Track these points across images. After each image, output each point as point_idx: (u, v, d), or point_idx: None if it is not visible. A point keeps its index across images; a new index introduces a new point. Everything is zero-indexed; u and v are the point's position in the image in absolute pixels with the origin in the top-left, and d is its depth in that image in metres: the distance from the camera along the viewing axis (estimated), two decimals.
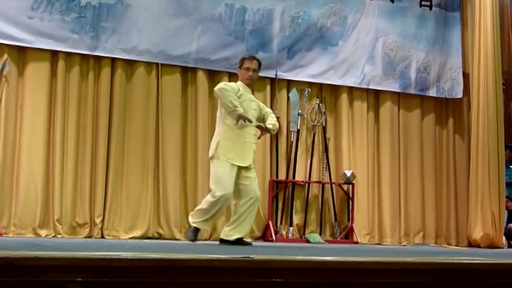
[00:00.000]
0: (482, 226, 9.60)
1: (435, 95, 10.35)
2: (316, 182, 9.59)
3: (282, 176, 9.38)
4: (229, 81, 9.10)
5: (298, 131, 9.47)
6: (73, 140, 8.32)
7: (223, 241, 6.66)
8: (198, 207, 6.84)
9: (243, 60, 7.08)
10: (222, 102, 6.79)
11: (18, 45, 8.13)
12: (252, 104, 6.95)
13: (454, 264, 3.78)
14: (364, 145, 9.94)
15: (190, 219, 6.82)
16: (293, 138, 9.45)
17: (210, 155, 6.79)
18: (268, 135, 8.07)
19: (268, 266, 3.27)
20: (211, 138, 8.87)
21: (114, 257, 3.03)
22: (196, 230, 6.76)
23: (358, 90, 9.95)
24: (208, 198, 6.68)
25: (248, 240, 8.16)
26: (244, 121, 6.65)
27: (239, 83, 6.99)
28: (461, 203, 10.24)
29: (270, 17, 9.30)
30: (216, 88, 6.82)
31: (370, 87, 9.95)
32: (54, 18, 8.19)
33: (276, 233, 9.01)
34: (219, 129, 6.84)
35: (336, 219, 9.60)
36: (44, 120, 8.20)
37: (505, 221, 9.95)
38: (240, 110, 6.64)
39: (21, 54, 8.25)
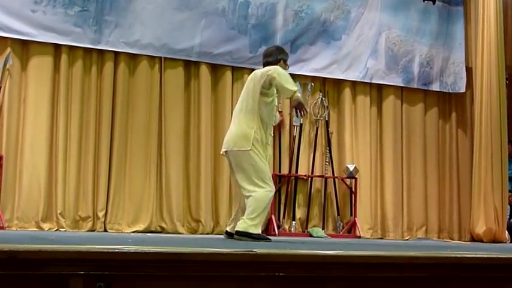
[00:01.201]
0: (485, 220, 9.60)
1: (438, 90, 10.34)
2: (319, 176, 9.59)
3: (284, 170, 9.38)
4: (233, 75, 9.13)
5: (301, 125, 9.46)
6: (76, 133, 8.32)
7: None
8: (249, 212, 6.05)
9: (286, 54, 6.57)
10: (280, 87, 6.12)
11: (21, 39, 8.13)
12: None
13: (456, 258, 3.78)
14: (367, 139, 9.93)
15: (252, 229, 5.99)
16: (296, 132, 9.44)
17: (244, 148, 6.12)
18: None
19: (270, 260, 3.27)
20: (214, 131, 8.96)
21: (116, 250, 3.04)
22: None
23: (361, 84, 9.94)
24: (259, 196, 6.06)
25: None
26: (301, 112, 6.23)
27: None
28: (464, 197, 10.24)
29: (273, 11, 9.29)
30: (273, 73, 6.07)
31: (373, 81, 9.94)
32: (57, 11, 8.18)
33: (278, 227, 9.02)
34: (253, 123, 6.18)
35: (338, 214, 9.60)
36: (47, 114, 8.20)
37: (508, 215, 9.96)
38: (299, 95, 6.17)
39: (24, 47, 8.24)
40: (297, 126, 9.40)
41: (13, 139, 8.06)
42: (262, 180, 6.13)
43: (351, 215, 9.59)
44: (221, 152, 6.53)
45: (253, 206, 6.05)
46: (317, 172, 9.60)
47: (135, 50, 8.60)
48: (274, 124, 6.42)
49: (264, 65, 6.48)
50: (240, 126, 6.25)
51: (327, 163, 9.62)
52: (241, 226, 6.06)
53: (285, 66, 6.51)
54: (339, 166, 9.69)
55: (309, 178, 9.52)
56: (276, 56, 6.48)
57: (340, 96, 9.92)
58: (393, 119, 10.13)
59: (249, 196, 6.09)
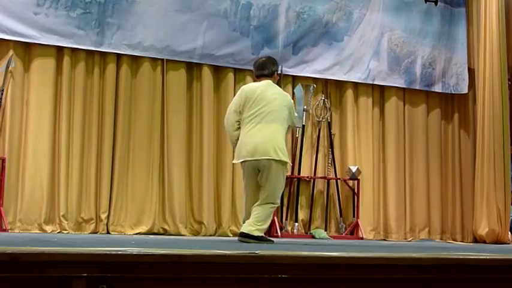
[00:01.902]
0: (487, 222, 9.59)
1: (440, 91, 10.33)
2: (321, 177, 9.58)
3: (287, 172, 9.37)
4: (235, 77, 9.15)
5: (303, 126, 9.46)
6: (78, 135, 8.33)
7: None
8: (257, 219, 6.16)
9: (278, 64, 6.81)
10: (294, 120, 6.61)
11: (23, 41, 8.14)
12: None
13: (459, 260, 3.77)
14: (370, 141, 9.93)
15: (257, 233, 6.10)
16: (298, 134, 9.43)
17: (285, 160, 6.33)
18: None
19: (273, 261, 3.27)
20: (216, 133, 8.97)
21: (119, 252, 3.04)
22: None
23: (363, 85, 9.94)
24: (270, 208, 6.28)
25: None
26: None
27: None
28: (467, 198, 10.23)
29: (275, 13, 9.29)
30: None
31: (376, 82, 9.94)
32: (60, 14, 8.19)
33: (281, 229, 9.01)
34: (285, 137, 6.50)
35: (341, 215, 9.60)
36: (50, 116, 8.21)
37: (511, 216, 9.94)
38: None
39: (27, 50, 8.26)
40: (299, 127, 9.39)
41: (16, 141, 8.06)
42: (279, 196, 6.41)
43: (354, 216, 9.58)
44: (252, 158, 6.27)
45: (263, 214, 6.19)
46: (319, 173, 9.60)
47: (137, 52, 8.61)
48: None
49: (258, 77, 6.58)
50: (279, 138, 6.34)
51: (329, 164, 9.62)
52: (247, 228, 6.12)
53: (277, 77, 6.73)
54: (341, 167, 9.68)
55: (312, 179, 9.52)
56: (270, 69, 6.59)
57: (342, 97, 9.92)
58: (395, 120, 10.13)
59: (263, 204, 6.21)
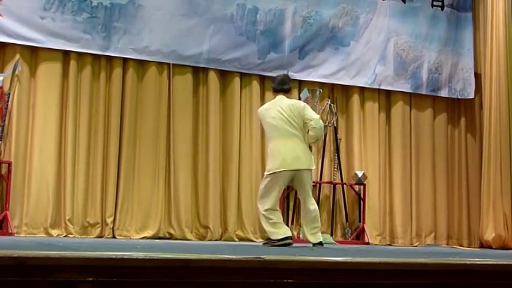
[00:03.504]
0: (494, 227, 9.57)
1: (447, 96, 10.32)
2: (327, 182, 9.57)
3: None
4: (241, 82, 9.15)
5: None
6: (85, 139, 8.34)
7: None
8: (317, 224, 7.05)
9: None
10: (318, 134, 7.00)
11: (30, 45, 8.16)
12: None
13: (465, 265, 3.76)
14: (376, 145, 9.92)
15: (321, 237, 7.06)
16: None
17: (312, 168, 7.03)
18: None
19: (279, 266, 3.27)
20: (223, 137, 8.98)
21: (125, 257, 3.04)
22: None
23: (369, 90, 9.94)
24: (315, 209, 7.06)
25: (262, 240, 8.23)
26: None
27: None
28: (473, 203, 10.21)
29: (282, 17, 9.29)
30: (319, 126, 6.92)
31: (382, 87, 9.93)
32: (66, 18, 8.21)
33: None
34: (305, 143, 6.98)
35: (347, 220, 9.58)
36: (56, 120, 8.22)
37: None
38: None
39: (33, 54, 8.27)
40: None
41: (22, 145, 8.08)
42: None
43: (360, 221, 9.57)
44: (287, 169, 6.86)
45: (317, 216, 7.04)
46: (325, 178, 9.58)
47: (144, 56, 8.62)
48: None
49: (278, 91, 7.12)
50: (304, 148, 6.94)
51: (335, 169, 9.60)
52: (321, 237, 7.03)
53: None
54: (347, 172, 9.67)
55: (318, 184, 9.50)
56: (289, 85, 7.26)
57: (348, 102, 9.91)
58: (402, 125, 10.12)
59: (314, 208, 7.01)
